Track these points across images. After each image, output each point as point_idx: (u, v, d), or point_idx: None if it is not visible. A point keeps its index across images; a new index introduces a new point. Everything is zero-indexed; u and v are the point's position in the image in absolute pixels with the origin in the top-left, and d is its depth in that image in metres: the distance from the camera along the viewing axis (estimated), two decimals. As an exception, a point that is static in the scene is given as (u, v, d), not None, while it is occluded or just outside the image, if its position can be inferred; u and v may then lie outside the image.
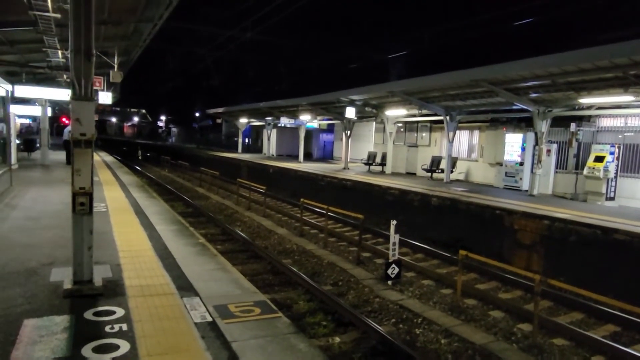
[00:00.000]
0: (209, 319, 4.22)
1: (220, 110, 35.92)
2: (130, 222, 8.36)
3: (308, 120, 25.92)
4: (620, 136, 13.21)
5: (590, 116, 13.79)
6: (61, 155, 20.21)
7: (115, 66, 15.10)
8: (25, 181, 13.09)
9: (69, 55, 4.55)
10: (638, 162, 12.66)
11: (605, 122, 13.80)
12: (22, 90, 15.31)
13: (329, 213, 11.76)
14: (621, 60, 9.29)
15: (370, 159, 21.72)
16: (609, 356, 5.98)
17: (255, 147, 40.31)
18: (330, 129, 31.63)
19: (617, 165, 12.32)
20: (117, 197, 11.27)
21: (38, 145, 22.79)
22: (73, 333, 3.79)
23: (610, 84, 10.72)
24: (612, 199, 12.41)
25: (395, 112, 19.02)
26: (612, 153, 12.15)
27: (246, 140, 41.26)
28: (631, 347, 6.19)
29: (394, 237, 8.37)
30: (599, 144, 12.96)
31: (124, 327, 3.95)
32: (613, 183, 12.37)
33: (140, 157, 42.19)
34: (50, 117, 21.51)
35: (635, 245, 8.12)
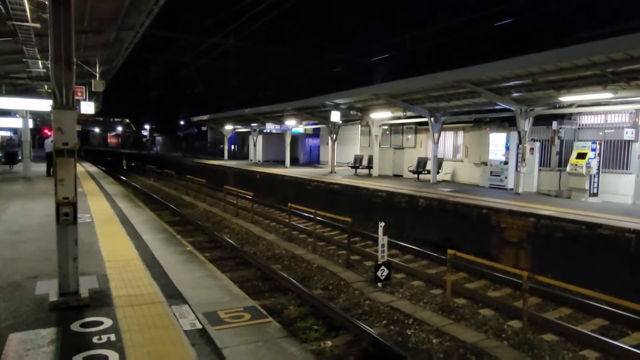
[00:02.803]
0: (199, 326, 4.18)
1: (205, 117, 35.73)
2: (116, 232, 8.26)
3: (294, 125, 25.92)
4: (600, 133, 13.44)
5: (571, 114, 14.02)
6: (44, 168, 19.88)
7: (97, 75, 14.96)
8: (7, 194, 12.86)
9: (49, 65, 4.49)
10: (619, 158, 12.89)
11: (586, 120, 14.04)
12: (2, 102, 15.08)
13: (317, 217, 11.75)
14: (599, 58, 9.46)
15: (357, 162, 21.78)
16: (598, 350, 6.05)
17: (241, 153, 40.17)
18: (316, 133, 31.66)
19: (599, 162, 12.53)
20: (102, 207, 11.13)
21: (20, 157, 22.45)
22: (60, 345, 3.73)
23: (589, 82, 10.91)
24: (596, 194, 12.60)
25: (380, 115, 19.12)
26: (593, 150, 12.36)
27: (232, 147, 41.10)
28: (620, 340, 6.27)
29: (383, 239, 8.38)
30: (581, 141, 13.17)
31: (112, 337, 3.90)
32: (596, 179, 12.58)
33: (125, 167, 41.75)
34: (31, 129, 21.18)
35: (620, 240, 8.25)
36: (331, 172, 21.46)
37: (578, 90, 11.44)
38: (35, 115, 22.12)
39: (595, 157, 12.36)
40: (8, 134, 30.58)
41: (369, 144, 22.17)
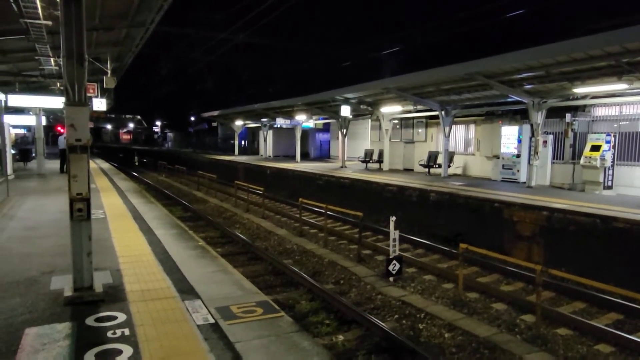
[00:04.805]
0: (212, 320, 4.20)
1: (215, 113, 35.83)
2: (129, 228, 8.33)
3: (304, 120, 25.90)
4: (615, 125, 13.24)
5: (585, 106, 13.81)
6: (57, 165, 20.13)
7: (109, 72, 15.05)
8: (22, 191, 13.04)
9: (61, 63, 4.53)
10: (634, 150, 12.68)
11: (600, 112, 13.83)
12: (15, 100, 15.24)
13: (328, 212, 11.74)
14: (613, 48, 9.29)
15: (367, 157, 21.71)
16: (613, 344, 5.98)
17: (252, 148, 40.25)
18: (326, 128, 31.61)
19: (614, 154, 12.35)
20: (114, 203, 11.23)
21: (34, 154, 22.73)
22: (75, 340, 3.77)
23: (604, 73, 10.73)
24: (610, 187, 12.43)
25: (391, 109, 19.01)
26: (608, 142, 12.18)
27: (242, 142, 41.19)
28: (635, 335, 6.19)
29: (394, 234, 8.36)
30: (595, 133, 12.98)
31: (126, 331, 3.94)
32: (610, 172, 12.40)
33: (136, 163, 42.11)
34: (45, 127, 21.43)
35: (635, 233, 8.13)
36: (342, 167, 21.43)
37: (592, 81, 11.26)
38: (49, 112, 22.38)
39: (609, 150, 12.18)
40: (22, 131, 30.98)
41: (380, 138, 22.09)
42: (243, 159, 29.80)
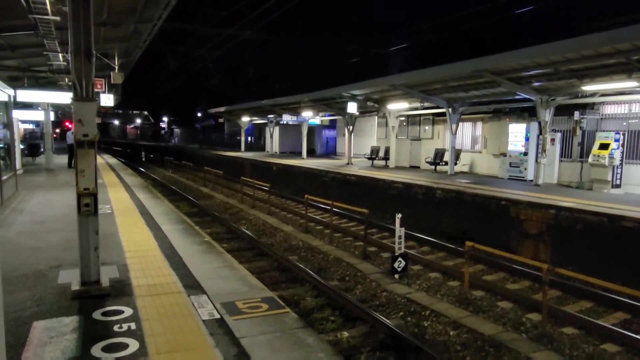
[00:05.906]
0: (217, 316, 4.22)
1: (222, 109, 35.88)
2: (136, 223, 8.39)
3: (310, 116, 25.88)
4: (624, 123, 13.12)
5: (594, 104, 13.70)
6: (65, 159, 20.29)
7: (116, 67, 15.13)
8: (31, 185, 13.15)
9: (69, 58, 4.56)
10: (643, 148, 12.57)
11: (609, 110, 13.71)
12: (24, 95, 15.35)
13: (334, 209, 11.74)
14: (624, 45, 9.20)
15: (374, 154, 21.67)
16: (619, 344, 5.95)
17: (258, 145, 40.29)
18: (332, 124, 31.56)
19: (623, 153, 12.24)
20: (121, 198, 11.30)
21: (42, 149, 22.91)
22: (82, 333, 3.81)
23: (613, 70, 10.64)
24: (618, 186, 12.33)
25: (397, 106, 18.96)
26: (617, 140, 12.08)
27: (249, 138, 41.26)
28: (641, 334, 6.15)
29: (400, 231, 8.34)
30: (604, 131, 12.88)
31: (133, 326, 3.97)
32: (619, 170, 12.30)
33: (143, 159, 42.29)
34: (53, 122, 21.57)
35: (643, 232, 8.06)
36: (348, 164, 21.41)
37: (601, 79, 11.16)
38: (57, 107, 22.52)
39: (618, 148, 12.08)
40: (30, 126, 31.23)
41: (386, 135, 22.04)
42: (249, 155, 29.83)
